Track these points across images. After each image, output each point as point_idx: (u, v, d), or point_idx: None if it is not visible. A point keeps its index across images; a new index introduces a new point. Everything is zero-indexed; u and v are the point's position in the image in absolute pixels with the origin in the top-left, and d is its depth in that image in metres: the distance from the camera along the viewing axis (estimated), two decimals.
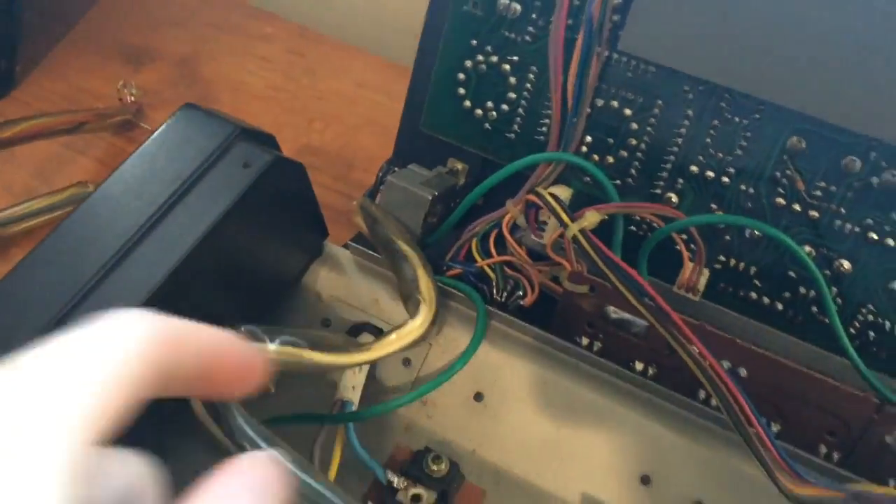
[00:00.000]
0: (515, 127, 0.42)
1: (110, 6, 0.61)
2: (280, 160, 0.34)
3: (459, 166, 0.44)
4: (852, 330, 0.38)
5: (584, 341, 0.39)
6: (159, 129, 0.34)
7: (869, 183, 0.36)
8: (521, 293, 0.42)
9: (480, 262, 0.42)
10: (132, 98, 0.52)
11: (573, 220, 0.35)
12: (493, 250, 0.42)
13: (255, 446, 0.30)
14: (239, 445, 0.30)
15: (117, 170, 0.33)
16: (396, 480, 0.35)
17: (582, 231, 0.35)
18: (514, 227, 0.41)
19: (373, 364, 0.38)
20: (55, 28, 0.58)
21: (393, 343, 0.34)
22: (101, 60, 0.56)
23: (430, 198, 0.41)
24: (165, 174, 0.33)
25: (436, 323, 0.36)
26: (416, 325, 0.35)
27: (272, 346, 0.33)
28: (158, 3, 0.61)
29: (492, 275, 0.42)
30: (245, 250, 0.35)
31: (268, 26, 0.59)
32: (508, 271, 0.42)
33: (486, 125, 0.42)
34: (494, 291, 0.42)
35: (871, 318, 0.38)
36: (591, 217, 0.35)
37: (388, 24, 0.60)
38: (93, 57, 0.57)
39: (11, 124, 0.43)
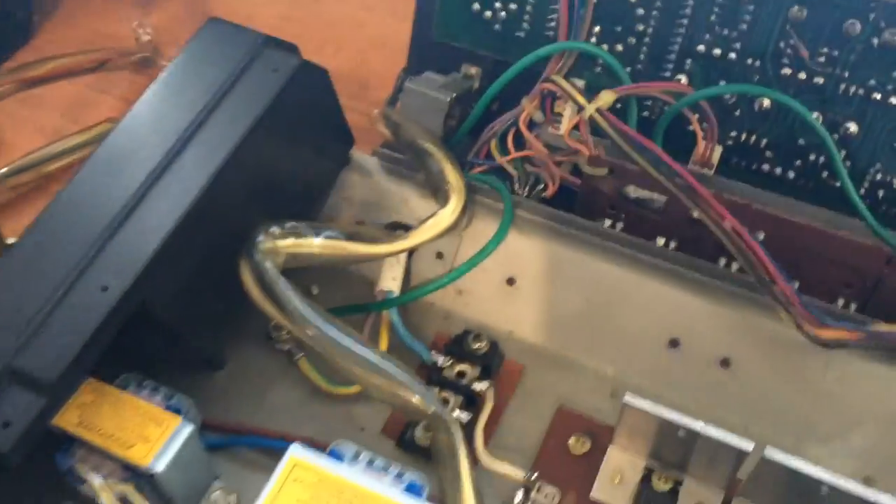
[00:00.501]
0: (525, 25, 0.43)
1: None
2: (306, 64, 0.36)
3: (473, 70, 0.46)
4: (862, 191, 0.40)
5: (607, 223, 0.41)
6: (189, 44, 0.35)
7: (870, 44, 0.37)
8: (542, 186, 0.44)
9: (501, 160, 0.43)
10: (147, 37, 0.53)
11: (589, 101, 0.37)
12: (511, 148, 0.43)
13: (307, 321, 0.32)
14: (293, 321, 0.32)
15: (153, 84, 0.34)
16: (441, 360, 0.37)
17: (598, 110, 0.36)
18: (531, 124, 0.43)
19: (409, 256, 0.39)
20: None
21: (428, 230, 0.36)
22: (112, 4, 0.58)
23: (448, 100, 0.43)
24: (200, 84, 0.34)
25: (465, 213, 0.38)
26: (449, 212, 0.37)
27: (317, 241, 0.35)
28: None
29: (513, 171, 0.44)
30: (278, 156, 0.37)
31: None
32: (528, 167, 0.44)
33: (497, 27, 0.44)
34: (516, 186, 0.43)
35: (879, 177, 0.39)
36: (606, 96, 0.37)
37: None
38: (103, 2, 0.58)
39: (40, 64, 0.45)
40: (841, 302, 0.38)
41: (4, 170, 0.47)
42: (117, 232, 0.31)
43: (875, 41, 0.37)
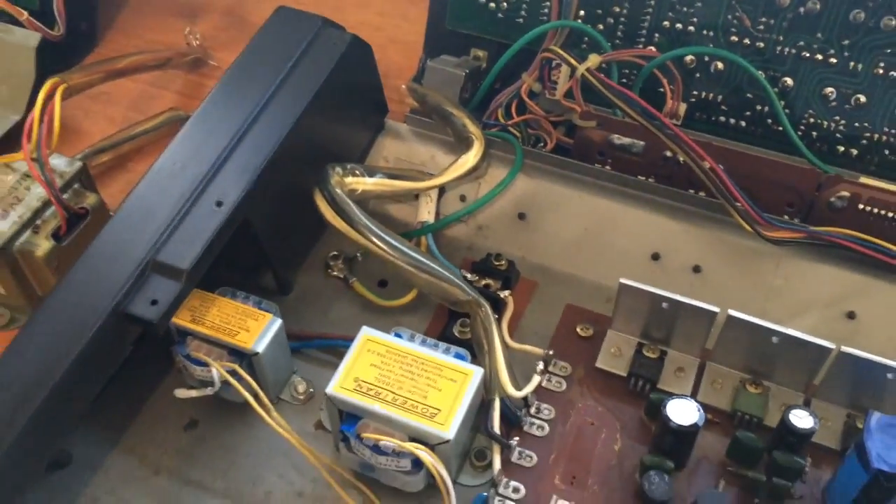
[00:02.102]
0: (523, 13, 0.53)
1: None
2: (357, 39, 0.45)
3: (481, 53, 0.55)
4: (800, 133, 0.49)
5: (597, 166, 0.50)
6: (263, 27, 0.45)
7: (798, 13, 0.47)
8: (542, 144, 0.53)
9: (506, 123, 0.53)
10: (197, 42, 0.63)
11: (580, 63, 0.46)
12: (514, 114, 0.53)
13: (374, 232, 0.41)
14: (363, 234, 0.41)
15: (237, 58, 0.44)
16: (469, 275, 0.46)
17: (588, 70, 0.46)
18: (531, 94, 0.53)
19: (440, 195, 0.49)
20: None
21: (457, 169, 0.45)
22: (163, 18, 0.67)
23: (463, 74, 0.52)
24: (274, 58, 0.44)
25: (485, 158, 0.47)
26: (472, 154, 0.46)
27: (370, 179, 0.44)
28: None
29: (517, 133, 0.53)
30: (334, 117, 0.46)
31: None
32: (530, 130, 0.54)
33: (499, 14, 0.53)
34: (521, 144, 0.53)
35: (812, 120, 0.49)
36: (594, 58, 0.46)
37: None
38: (156, 17, 0.67)
39: (120, 59, 0.54)
40: (786, 218, 0.47)
41: (86, 151, 0.55)
42: (222, 167, 0.40)
43: (801, 10, 0.47)
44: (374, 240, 0.41)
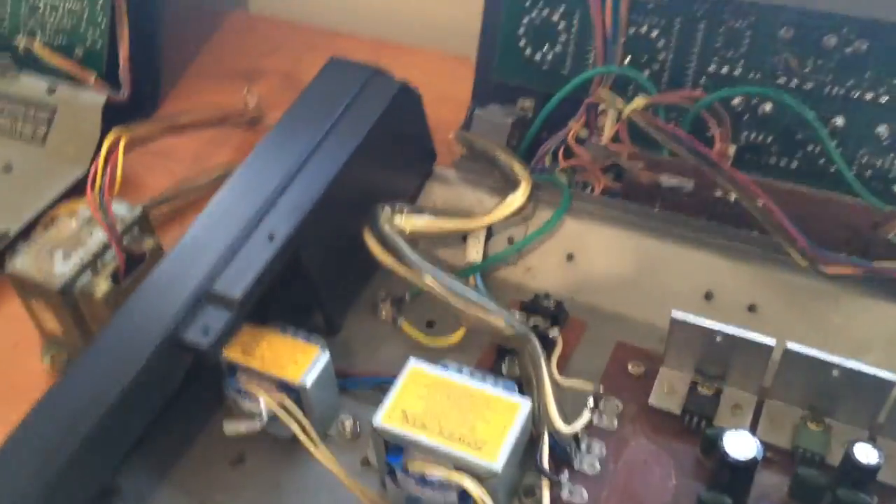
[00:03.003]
0: (568, 63, 0.54)
1: (220, 43, 0.75)
2: (406, 86, 0.46)
3: (527, 104, 0.56)
4: (854, 172, 0.49)
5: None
6: (317, 76, 0.46)
7: (844, 53, 0.47)
8: (589, 189, 0.53)
9: (553, 169, 0.53)
10: (254, 101, 0.65)
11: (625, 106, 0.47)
12: (561, 160, 0.53)
13: (424, 268, 0.41)
14: (413, 270, 0.41)
15: (294, 103, 0.45)
16: (518, 315, 0.46)
17: (635, 110, 0.46)
18: (578, 140, 0.53)
19: (487, 237, 0.49)
20: (181, 60, 0.72)
21: (504, 209, 0.46)
22: (223, 82, 0.70)
23: (510, 122, 0.53)
24: (327, 105, 0.45)
25: (532, 198, 0.47)
26: (520, 195, 0.46)
27: (419, 218, 0.45)
28: (259, 36, 0.75)
29: (564, 180, 0.54)
30: (378, 167, 0.47)
31: (346, 42, 0.73)
32: (577, 178, 0.54)
33: (545, 66, 0.54)
34: None
35: (865, 160, 0.49)
36: (639, 100, 0.47)
37: (442, 24, 0.73)
38: (216, 80, 0.70)
39: (180, 115, 0.56)
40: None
41: (147, 202, 0.57)
42: (275, 204, 0.41)
43: (848, 51, 0.47)
44: (424, 274, 0.41)
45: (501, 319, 0.41)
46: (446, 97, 0.67)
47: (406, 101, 0.47)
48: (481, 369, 0.41)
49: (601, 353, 0.45)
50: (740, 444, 0.35)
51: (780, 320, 0.45)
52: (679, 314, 0.40)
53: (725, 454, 0.35)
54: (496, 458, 0.36)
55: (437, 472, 0.36)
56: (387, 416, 0.37)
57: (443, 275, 0.41)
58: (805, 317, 0.45)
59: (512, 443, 0.36)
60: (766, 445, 0.39)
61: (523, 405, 0.38)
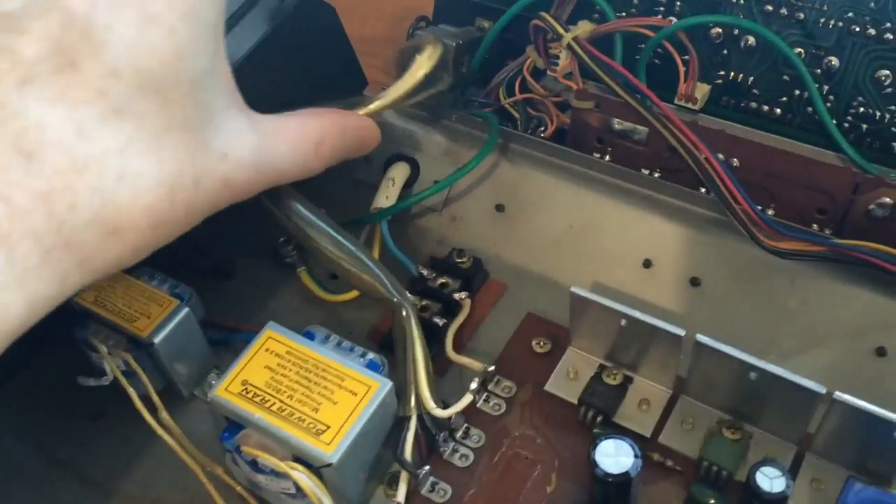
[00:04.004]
0: None
1: None
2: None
3: (486, 24, 0.49)
4: (846, 125, 0.40)
5: (596, 156, 0.43)
6: None
7: None
8: (542, 128, 0.46)
9: (504, 101, 0.46)
10: None
11: (567, 31, 0.39)
12: (517, 92, 0.46)
13: (311, 224, 0.35)
14: (296, 225, 0.35)
15: None
16: (426, 272, 0.40)
17: (576, 39, 0.39)
18: (535, 72, 0.46)
19: (408, 181, 0.43)
20: None
21: (413, 75, 0.39)
22: None
23: (454, 45, 0.46)
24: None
25: (442, 63, 0.41)
26: (425, 57, 0.39)
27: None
28: None
29: (515, 113, 0.47)
30: (286, 76, 0.41)
31: None
32: (531, 111, 0.47)
33: None
34: (519, 126, 0.46)
35: (862, 109, 0.40)
36: (584, 26, 0.39)
37: None
38: None
39: None
40: (815, 228, 0.39)
41: None
42: None
43: None
44: (293, 217, 0.35)
45: (374, 279, 0.35)
46: (416, 11, 0.60)
47: (315, 13, 0.41)
48: (379, 337, 0.36)
49: (513, 324, 0.39)
50: (616, 455, 0.30)
51: (726, 300, 0.38)
52: (578, 290, 0.33)
53: (595, 465, 0.29)
54: (334, 447, 0.31)
55: (268, 460, 0.31)
56: (224, 388, 0.33)
57: (319, 221, 0.35)
58: (755, 298, 0.38)
59: (357, 430, 0.31)
60: (668, 451, 0.33)
61: (381, 386, 0.33)
